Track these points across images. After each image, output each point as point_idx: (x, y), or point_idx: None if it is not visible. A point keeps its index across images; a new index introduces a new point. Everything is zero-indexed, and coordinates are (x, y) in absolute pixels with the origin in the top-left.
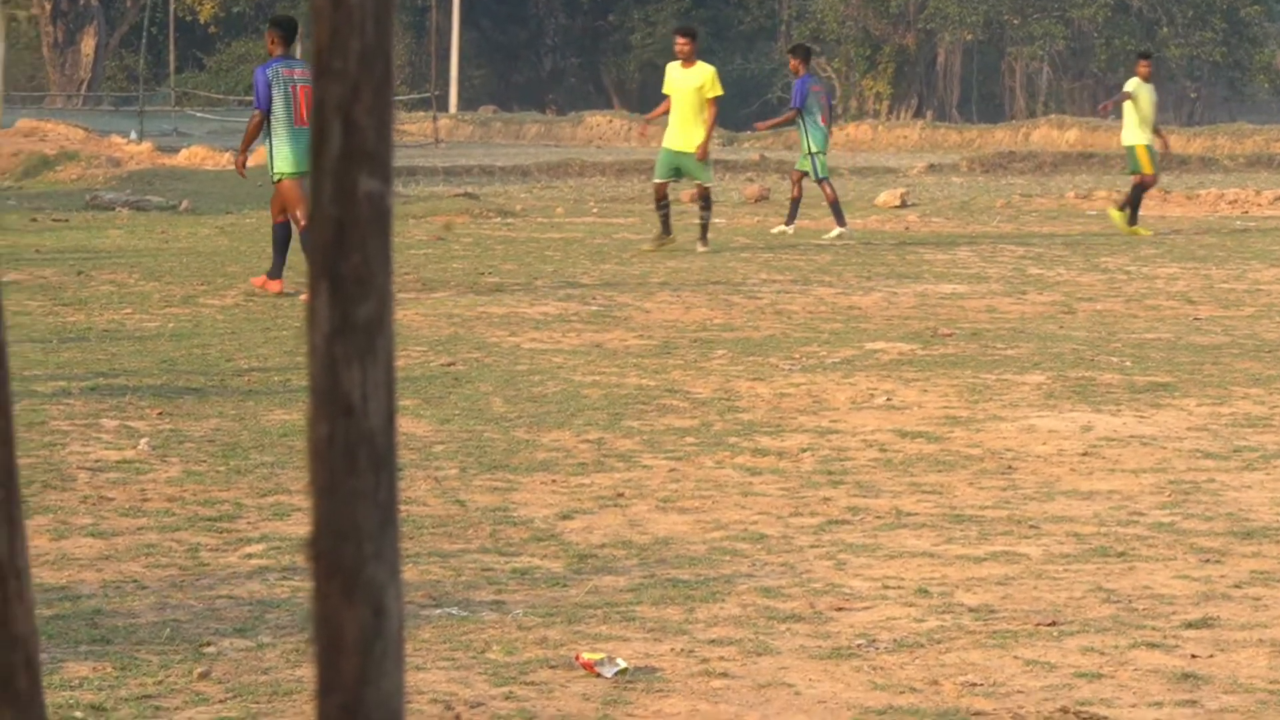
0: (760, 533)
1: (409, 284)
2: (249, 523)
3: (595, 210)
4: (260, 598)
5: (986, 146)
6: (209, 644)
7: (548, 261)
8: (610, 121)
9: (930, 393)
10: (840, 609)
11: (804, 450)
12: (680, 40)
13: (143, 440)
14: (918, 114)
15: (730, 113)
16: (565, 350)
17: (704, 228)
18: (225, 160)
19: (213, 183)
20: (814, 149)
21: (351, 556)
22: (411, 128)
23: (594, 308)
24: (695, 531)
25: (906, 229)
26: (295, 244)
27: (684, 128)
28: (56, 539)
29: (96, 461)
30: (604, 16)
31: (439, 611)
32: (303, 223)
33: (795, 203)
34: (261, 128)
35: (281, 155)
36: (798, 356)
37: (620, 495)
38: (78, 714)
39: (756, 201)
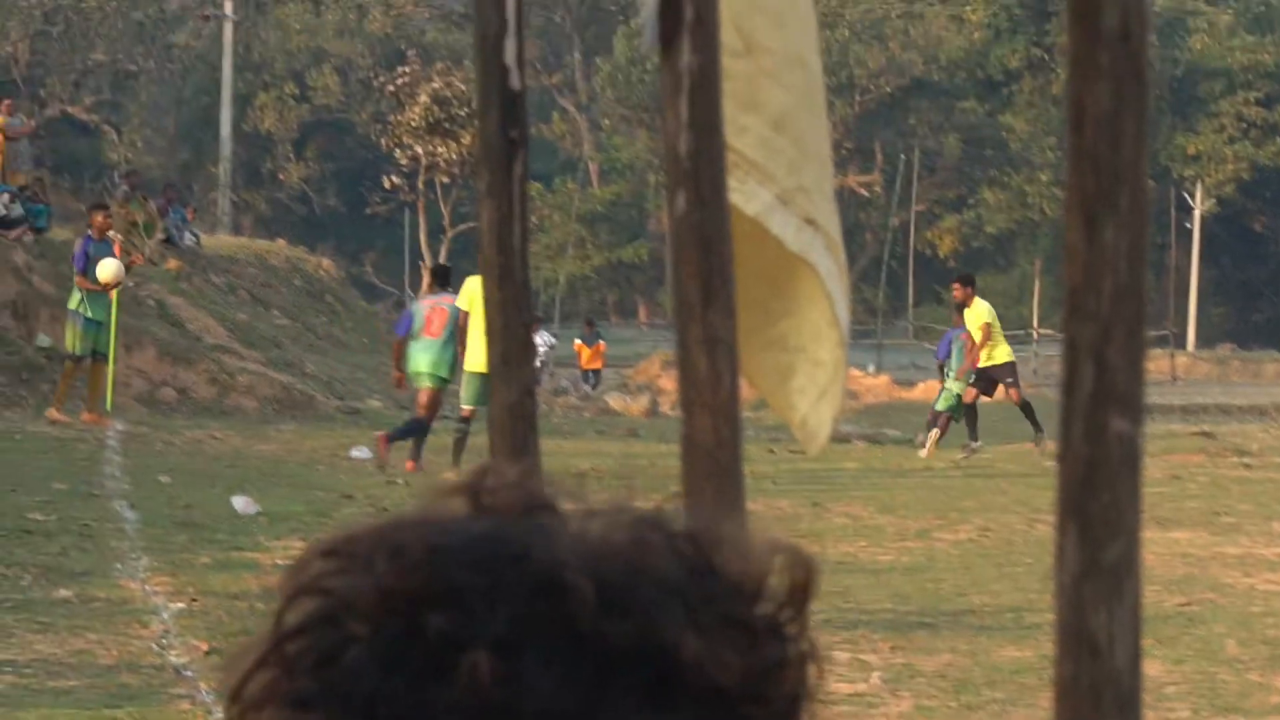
0: None
1: (1145, 522)
2: None
3: None
4: None
5: None
6: None
7: None
8: None
9: None
10: None
11: None
12: None
13: (875, 674)
14: None
15: None
16: None
17: None
18: None
19: None
20: None
21: None
22: (1149, 365)
23: None
24: None
25: None
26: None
27: None
28: None
29: (828, 694)
30: None
31: None
32: (421, 414)
33: None
34: (403, 348)
35: (414, 361)
36: None
37: None
38: None
39: None
